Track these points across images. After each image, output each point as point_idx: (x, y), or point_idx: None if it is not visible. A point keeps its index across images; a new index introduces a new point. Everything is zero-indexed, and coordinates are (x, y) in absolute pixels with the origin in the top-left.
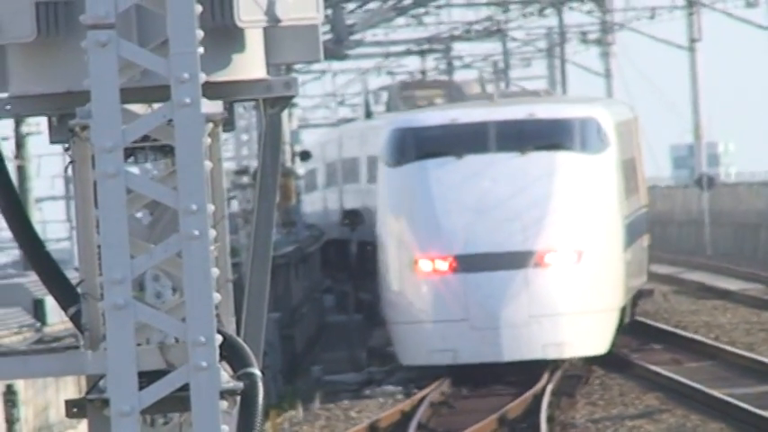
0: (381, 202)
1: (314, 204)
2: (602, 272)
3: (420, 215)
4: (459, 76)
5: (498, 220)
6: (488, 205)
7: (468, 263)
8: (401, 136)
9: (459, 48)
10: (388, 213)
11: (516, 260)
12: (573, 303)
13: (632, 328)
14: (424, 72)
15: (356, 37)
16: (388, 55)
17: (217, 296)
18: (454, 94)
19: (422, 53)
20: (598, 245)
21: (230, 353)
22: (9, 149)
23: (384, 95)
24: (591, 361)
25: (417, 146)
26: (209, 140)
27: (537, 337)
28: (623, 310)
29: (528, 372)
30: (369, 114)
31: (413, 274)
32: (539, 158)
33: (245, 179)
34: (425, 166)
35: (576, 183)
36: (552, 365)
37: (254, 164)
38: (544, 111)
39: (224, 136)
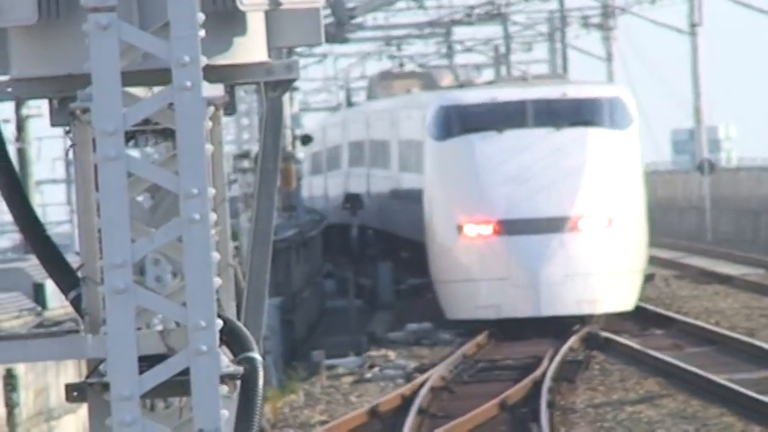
0: (428, 173)
1: (315, 188)
2: (629, 236)
3: (466, 184)
4: (430, 67)
5: (536, 189)
6: (527, 175)
7: (509, 227)
8: (447, 113)
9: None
10: (434, 182)
11: (553, 225)
12: (604, 264)
13: (633, 313)
14: (401, 64)
15: (357, 21)
16: (388, 39)
17: (217, 280)
18: (429, 84)
19: (423, 37)
20: (626, 212)
21: (230, 337)
22: (10, 132)
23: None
24: (591, 346)
25: (462, 121)
26: (210, 124)
27: (572, 295)
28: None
29: (562, 327)
30: (350, 103)
31: (459, 237)
32: (572, 133)
33: (246, 163)
34: (470, 140)
35: (605, 155)
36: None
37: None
38: (575, 90)
39: (225, 119)
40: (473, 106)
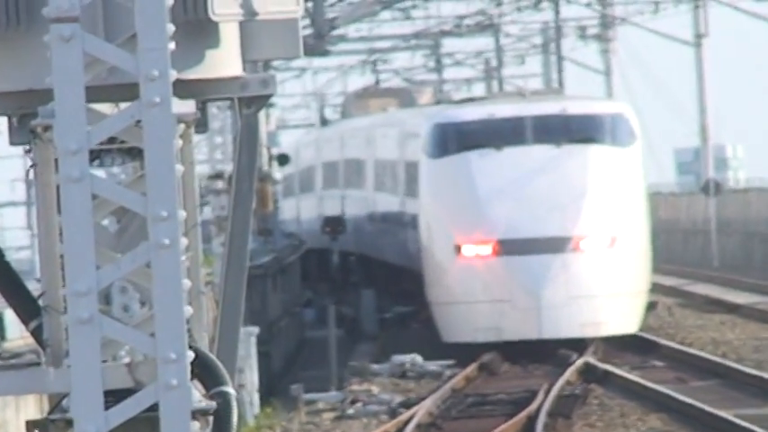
0: (423, 191)
1: (293, 211)
2: (632, 257)
3: (463, 202)
4: (416, 83)
5: (537, 208)
6: (527, 194)
7: (509, 247)
8: (443, 130)
9: (449, 44)
10: (430, 201)
11: (555, 245)
12: (607, 286)
13: (634, 344)
14: (378, 81)
15: (339, 32)
16: (372, 51)
17: (188, 310)
18: (407, 101)
19: (409, 49)
20: (629, 231)
21: (203, 370)
22: None
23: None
24: (589, 379)
25: (459, 139)
26: (180, 142)
27: (575, 317)
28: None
29: (568, 346)
30: (324, 122)
31: (457, 258)
32: (573, 151)
33: (220, 184)
34: (468, 158)
35: (608, 173)
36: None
37: (228, 168)
38: (576, 106)
39: (196, 138)
40: (470, 123)
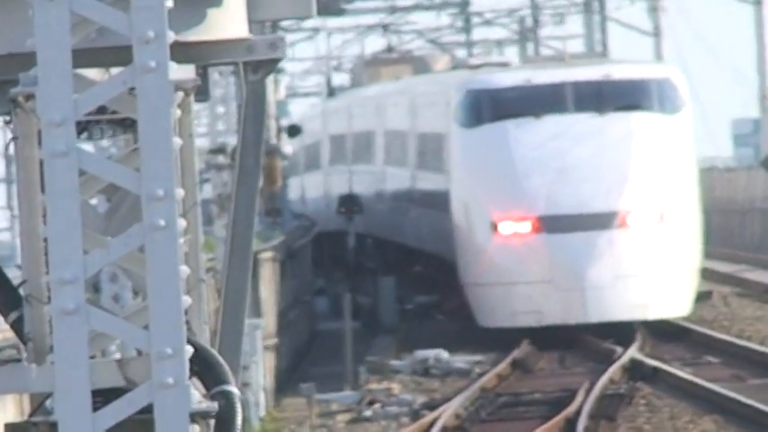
0: (455, 163)
1: (304, 189)
2: (682, 233)
3: (500, 176)
4: (441, 45)
5: (580, 181)
6: (569, 166)
7: (550, 224)
8: (476, 97)
9: (478, 2)
10: (463, 175)
11: (599, 221)
12: (656, 264)
13: (685, 338)
14: (390, 47)
15: None
16: (393, 10)
17: (186, 299)
18: (421, 70)
19: (434, 8)
20: (678, 206)
21: (202, 367)
22: None
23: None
24: (636, 377)
25: (494, 107)
26: (178, 112)
27: (622, 299)
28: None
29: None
30: (331, 92)
31: (493, 236)
32: (618, 119)
33: (222, 159)
34: (504, 127)
35: (655, 143)
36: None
37: (232, 141)
38: (620, 71)
39: (196, 107)
40: (506, 90)
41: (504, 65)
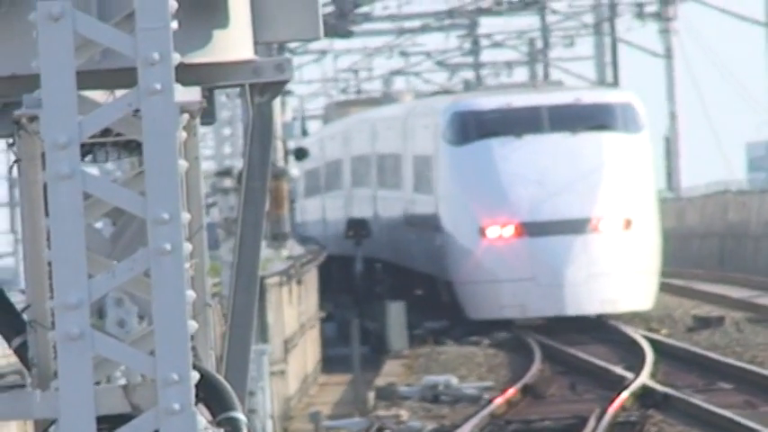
0: (444, 178)
1: (311, 213)
2: (646, 237)
3: (487, 187)
4: (395, 87)
5: (557, 191)
6: (547, 178)
7: (532, 228)
8: (463, 118)
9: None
10: (451, 187)
11: (575, 226)
12: (624, 264)
13: (698, 364)
14: (359, 91)
15: (363, 10)
16: (401, 32)
17: (192, 324)
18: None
19: (443, 30)
20: (642, 213)
21: (209, 393)
22: None
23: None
24: (647, 403)
25: (479, 127)
26: (184, 135)
27: (595, 294)
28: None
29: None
30: (305, 132)
31: (481, 239)
32: (588, 138)
33: (228, 182)
34: (490, 145)
35: (621, 158)
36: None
37: (238, 164)
38: (588, 96)
39: (202, 130)
40: (490, 111)
41: (449, 92)
